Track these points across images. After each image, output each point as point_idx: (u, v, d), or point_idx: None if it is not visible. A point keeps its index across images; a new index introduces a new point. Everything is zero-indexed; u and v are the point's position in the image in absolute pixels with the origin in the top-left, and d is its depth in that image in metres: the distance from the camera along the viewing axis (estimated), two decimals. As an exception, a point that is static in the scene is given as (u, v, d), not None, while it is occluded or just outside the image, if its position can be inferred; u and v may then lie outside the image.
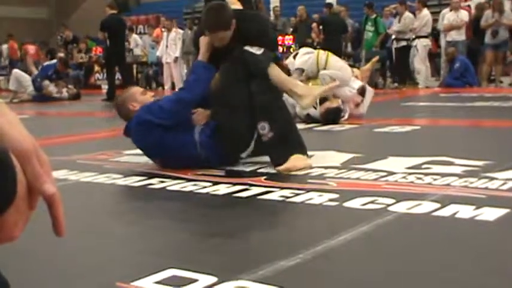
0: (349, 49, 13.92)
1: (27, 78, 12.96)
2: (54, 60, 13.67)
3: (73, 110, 10.35)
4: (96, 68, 16.86)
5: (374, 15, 13.18)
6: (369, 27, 13.17)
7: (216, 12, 3.73)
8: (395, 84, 12.76)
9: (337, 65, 6.23)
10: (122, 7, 26.18)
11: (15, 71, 13.68)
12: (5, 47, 20.12)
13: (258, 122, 3.66)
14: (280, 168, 3.54)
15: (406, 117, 6.60)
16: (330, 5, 13.36)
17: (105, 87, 13.47)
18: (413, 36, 12.36)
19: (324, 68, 6.12)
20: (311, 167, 3.57)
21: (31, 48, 17.90)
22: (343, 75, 6.11)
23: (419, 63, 12.29)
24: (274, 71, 3.74)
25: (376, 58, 7.98)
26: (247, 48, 3.73)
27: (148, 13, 24.79)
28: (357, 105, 6.32)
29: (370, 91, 6.59)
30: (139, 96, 3.82)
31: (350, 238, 2.17)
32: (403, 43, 12.44)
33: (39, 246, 2.14)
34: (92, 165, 3.91)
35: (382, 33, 12.98)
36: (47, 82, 12.51)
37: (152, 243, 2.31)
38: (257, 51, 3.73)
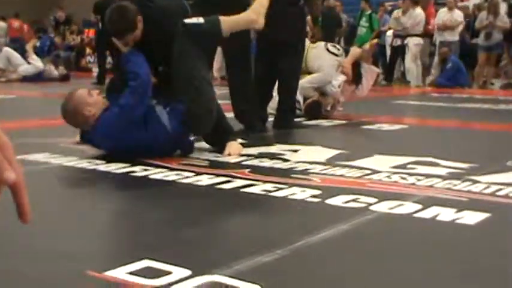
0: (342, 44, 13.88)
1: (17, 57, 12.84)
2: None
3: (61, 92, 10.25)
4: (88, 50, 16.75)
5: (369, 11, 13.17)
6: (363, 22, 13.16)
7: (116, 18, 3.77)
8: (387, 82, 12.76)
9: (315, 63, 6.14)
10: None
11: (6, 49, 13.54)
12: (2, 24, 19.84)
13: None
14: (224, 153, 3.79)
15: (395, 116, 6.58)
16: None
17: (95, 70, 13.38)
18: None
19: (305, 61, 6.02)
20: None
21: (14, 23, 17.69)
22: (320, 77, 6.08)
23: (411, 62, 12.28)
24: (225, 23, 3.82)
25: (375, 40, 7.89)
26: (187, 20, 3.76)
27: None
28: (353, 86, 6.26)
29: (372, 71, 6.52)
30: (89, 99, 3.64)
31: (329, 236, 2.15)
32: (399, 42, 12.40)
33: (13, 228, 2.10)
34: (75, 150, 3.86)
35: (376, 30, 12.96)
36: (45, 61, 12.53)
37: (128, 232, 2.28)
38: (198, 20, 3.77)
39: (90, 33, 17.02)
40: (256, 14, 3.99)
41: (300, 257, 1.94)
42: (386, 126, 5.45)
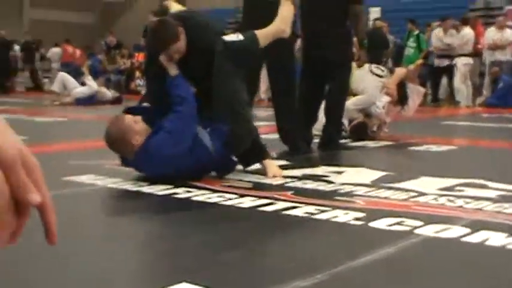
0: (390, 64, 13.77)
1: (72, 81, 13.11)
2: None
3: (113, 114, 10.41)
4: (137, 74, 16.99)
5: (417, 32, 13.04)
6: (411, 43, 13.04)
7: (159, 30, 3.78)
8: (438, 103, 12.60)
9: (359, 85, 6.08)
10: (166, 14, 26.50)
11: (62, 73, 13.86)
12: (56, 50, 20.34)
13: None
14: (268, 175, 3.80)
15: (444, 137, 6.45)
16: (374, 20, 13.25)
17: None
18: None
19: None
20: None
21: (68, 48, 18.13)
22: (365, 99, 6.03)
23: (460, 83, 12.09)
24: (261, 37, 3.84)
25: (421, 61, 7.79)
26: (227, 38, 3.75)
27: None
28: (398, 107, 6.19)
29: (418, 91, 6.42)
30: (136, 127, 3.57)
31: (371, 260, 2.09)
32: (447, 62, 12.24)
33: (51, 247, 2.11)
34: (120, 171, 3.88)
35: (424, 50, 12.82)
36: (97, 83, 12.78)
37: (167, 254, 2.26)
38: (238, 37, 3.76)
39: (139, 57, 17.29)
40: (284, 23, 4.01)
41: (340, 282, 1.89)
42: (434, 148, 5.35)
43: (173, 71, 3.74)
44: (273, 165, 3.92)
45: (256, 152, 3.92)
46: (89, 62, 14.21)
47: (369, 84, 6.07)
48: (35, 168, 0.68)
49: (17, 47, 19.59)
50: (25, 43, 19.62)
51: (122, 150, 3.61)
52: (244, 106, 3.79)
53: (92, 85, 12.66)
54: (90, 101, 12.24)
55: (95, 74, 13.20)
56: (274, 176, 3.78)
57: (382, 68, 6.39)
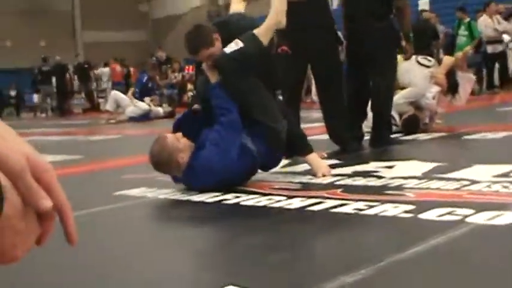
0: (442, 55, 13.53)
1: (125, 99, 13.36)
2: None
3: (166, 128, 10.54)
4: (189, 86, 17.18)
5: (467, 19, 12.77)
6: (462, 31, 12.77)
7: (192, 35, 3.81)
8: (494, 90, 12.30)
9: (406, 77, 5.95)
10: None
11: (114, 92, 14.15)
12: (105, 70, 20.87)
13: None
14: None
15: (501, 123, 6.28)
16: (422, 12, 13.03)
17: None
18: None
19: None
20: None
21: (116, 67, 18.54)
22: (414, 91, 5.91)
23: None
24: (260, 34, 3.79)
25: (469, 48, 7.60)
26: (227, 50, 3.71)
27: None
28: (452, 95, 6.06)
29: (469, 79, 6.28)
30: (180, 145, 3.56)
31: (419, 252, 2.04)
32: (500, 48, 11.96)
33: (104, 257, 2.14)
34: (170, 183, 3.90)
35: (476, 38, 12.55)
36: (147, 98, 12.96)
37: (214, 259, 2.27)
38: (238, 45, 3.70)
39: (190, 69, 17.48)
40: (279, 14, 3.91)
41: (385, 276, 1.85)
42: (490, 135, 5.21)
43: (213, 78, 3.76)
44: (320, 164, 3.90)
45: (299, 146, 3.96)
46: (135, 88, 14.41)
47: (416, 76, 5.95)
48: (45, 172, 0.68)
49: (71, 70, 20.11)
50: (78, 65, 20.11)
51: (168, 170, 3.63)
52: (274, 107, 3.80)
53: (141, 106, 12.84)
54: (144, 118, 12.43)
55: (146, 92, 13.36)
56: (324, 176, 3.76)
57: (429, 58, 6.26)
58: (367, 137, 5.29)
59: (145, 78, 13.46)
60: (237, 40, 3.73)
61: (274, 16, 3.92)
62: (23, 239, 0.68)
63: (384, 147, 5.04)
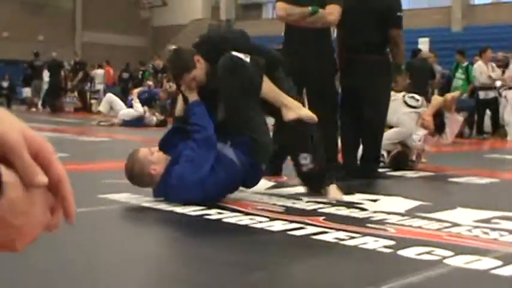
0: (436, 95, 13.65)
1: (119, 103, 13.34)
2: (156, 90, 14.11)
3: (157, 136, 10.52)
4: (183, 97, 17.18)
5: (466, 63, 12.90)
6: (460, 74, 12.90)
7: (173, 61, 3.96)
8: (484, 136, 12.41)
9: (393, 117, 5.93)
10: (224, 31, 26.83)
11: (109, 94, 14.12)
12: (99, 71, 20.88)
13: (297, 153, 3.96)
14: (328, 197, 3.89)
15: (487, 169, 6.33)
16: (416, 52, 13.14)
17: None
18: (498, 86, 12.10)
19: None
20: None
21: (123, 75, 18.55)
22: (399, 132, 5.93)
23: (510, 115, 11.90)
24: (265, 86, 3.82)
25: (459, 92, 7.66)
26: (235, 54, 3.74)
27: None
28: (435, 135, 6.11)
29: (457, 120, 6.32)
30: (152, 157, 3.62)
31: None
32: (492, 94, 12.10)
33: (80, 260, 2.14)
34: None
35: (472, 82, 12.67)
36: (145, 108, 12.99)
37: (193, 274, 2.27)
38: (246, 58, 3.75)
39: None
40: (294, 105, 3.89)
41: (360, 308, 1.86)
42: (475, 179, 5.25)
43: (192, 97, 3.82)
44: (333, 188, 4.02)
45: (321, 177, 4.03)
46: (142, 88, 14.42)
47: (403, 117, 5.97)
48: (42, 148, 0.67)
49: (66, 68, 20.09)
50: (75, 64, 20.09)
51: (142, 182, 3.64)
52: (262, 118, 3.83)
53: (138, 109, 12.82)
54: (137, 123, 12.39)
55: (148, 101, 13.40)
56: (335, 198, 3.90)
57: (417, 97, 6.27)
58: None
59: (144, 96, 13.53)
60: (247, 55, 3.77)
61: (289, 101, 3.90)
62: (26, 222, 0.66)
63: (369, 180, 5.06)
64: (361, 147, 5.47)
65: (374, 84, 5.12)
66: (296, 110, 3.89)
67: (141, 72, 18.83)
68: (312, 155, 3.96)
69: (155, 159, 3.61)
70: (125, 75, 18.46)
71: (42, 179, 0.65)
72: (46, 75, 19.49)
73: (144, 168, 3.58)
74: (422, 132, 5.97)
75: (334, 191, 3.99)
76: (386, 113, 5.45)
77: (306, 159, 3.95)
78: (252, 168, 3.73)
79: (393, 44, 5.24)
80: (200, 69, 3.83)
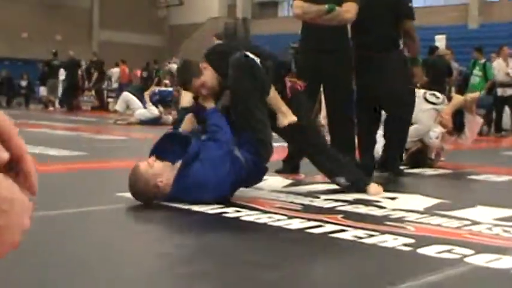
0: (453, 93, 13.55)
1: (136, 101, 13.36)
2: (170, 89, 14.08)
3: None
4: (200, 95, 17.19)
5: (483, 60, 12.80)
6: (477, 71, 12.79)
7: (181, 69, 4.11)
8: (502, 133, 12.31)
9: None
10: (230, 38, 26.91)
11: (126, 93, 14.15)
12: (115, 70, 20.97)
13: (333, 178, 4.17)
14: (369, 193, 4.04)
15: (505, 167, 6.28)
16: (433, 49, 13.04)
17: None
18: None
19: None
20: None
21: (139, 73, 18.61)
22: (417, 130, 5.85)
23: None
24: (272, 93, 3.90)
25: (478, 94, 7.58)
26: (248, 53, 3.79)
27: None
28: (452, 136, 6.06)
29: (477, 122, 6.27)
30: (153, 170, 3.49)
31: (414, 286, 2.04)
32: (510, 91, 12.01)
33: (97, 257, 2.14)
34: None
35: (490, 79, 12.57)
36: (160, 109, 13.03)
37: (210, 271, 2.26)
38: (256, 60, 3.80)
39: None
40: (288, 114, 3.97)
41: (381, 307, 1.84)
42: (493, 177, 5.21)
43: (209, 105, 3.87)
44: (374, 186, 4.15)
45: (362, 183, 4.19)
46: (154, 89, 14.44)
47: (421, 113, 5.90)
48: (2, 122, 0.66)
49: (83, 67, 20.19)
50: (91, 63, 20.18)
51: (149, 197, 3.53)
52: (265, 118, 3.83)
53: (152, 111, 12.83)
54: (154, 122, 12.39)
55: (163, 100, 13.43)
56: (375, 194, 4.03)
57: (438, 95, 6.23)
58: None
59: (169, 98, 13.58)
60: (259, 59, 3.81)
61: (287, 111, 3.98)
62: (9, 226, 0.64)
63: (388, 178, 5.01)
64: (379, 144, 5.43)
65: (394, 81, 5.04)
66: (289, 117, 3.97)
67: (155, 71, 18.90)
68: (346, 175, 4.13)
69: (158, 171, 3.50)
70: (144, 74, 18.47)
71: (4, 154, 0.64)
72: (62, 74, 19.59)
73: (149, 183, 3.46)
74: (439, 129, 5.93)
75: (374, 189, 4.11)
76: (412, 110, 5.37)
77: (341, 180, 4.13)
78: (255, 167, 3.72)
79: (408, 36, 5.17)
80: (209, 75, 3.86)
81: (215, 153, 3.57)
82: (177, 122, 4.45)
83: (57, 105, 19.93)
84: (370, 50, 5.04)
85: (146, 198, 3.52)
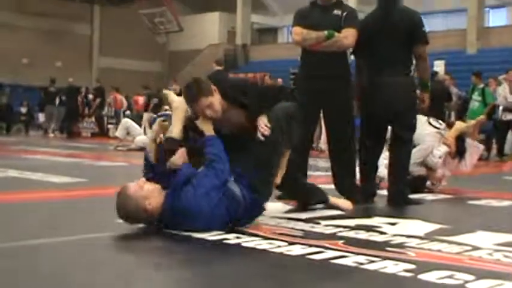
0: (453, 118, 13.58)
1: (136, 128, 13.39)
2: (169, 112, 14.07)
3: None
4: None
5: (482, 85, 12.86)
6: (476, 96, 12.84)
7: (191, 84, 3.79)
8: (503, 157, 12.32)
9: (416, 136, 5.90)
10: (230, 64, 27.04)
11: (126, 119, 14.18)
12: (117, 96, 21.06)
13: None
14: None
15: (506, 192, 6.28)
16: (433, 74, 13.10)
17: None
18: None
19: None
20: None
21: (140, 100, 18.64)
22: (421, 150, 5.84)
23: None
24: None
25: (482, 117, 7.60)
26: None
27: (255, 71, 25.36)
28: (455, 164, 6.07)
29: (476, 148, 6.27)
30: (142, 192, 3.47)
31: (417, 313, 2.03)
32: (510, 116, 12.07)
33: None
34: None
35: (489, 104, 12.61)
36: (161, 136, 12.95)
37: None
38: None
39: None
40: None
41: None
42: (494, 202, 5.21)
43: (208, 131, 3.78)
44: (339, 200, 4.44)
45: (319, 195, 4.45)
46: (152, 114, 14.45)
47: (427, 135, 5.93)
48: None
49: (83, 94, 20.29)
50: (94, 90, 20.28)
51: (139, 219, 3.51)
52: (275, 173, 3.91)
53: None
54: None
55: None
56: (349, 207, 4.44)
57: (441, 122, 6.26)
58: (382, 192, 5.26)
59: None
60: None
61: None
62: None
63: (389, 203, 4.99)
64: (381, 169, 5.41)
65: (404, 106, 4.99)
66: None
67: (145, 96, 18.94)
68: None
69: (146, 193, 3.46)
70: (155, 100, 18.41)
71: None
72: (58, 100, 19.73)
73: (139, 205, 3.43)
74: (443, 148, 5.95)
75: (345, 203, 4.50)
76: (412, 137, 5.24)
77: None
78: (252, 205, 3.67)
79: (420, 60, 5.07)
80: (217, 99, 3.79)
81: (210, 182, 3.51)
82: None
83: (50, 132, 19.89)
84: (381, 74, 4.98)
85: (136, 220, 3.51)
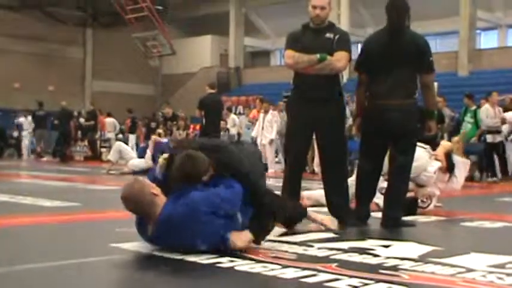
0: (446, 140, 13.65)
1: (129, 151, 13.35)
2: (165, 140, 14.05)
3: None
4: (193, 145, 17.22)
5: (474, 107, 12.92)
6: (468, 118, 12.90)
7: (189, 165, 3.60)
8: (494, 179, 12.35)
9: None
10: (223, 87, 27.11)
11: (119, 143, 14.13)
12: (109, 120, 21.07)
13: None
14: None
15: (499, 213, 6.29)
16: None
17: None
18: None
19: None
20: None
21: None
22: (415, 166, 5.86)
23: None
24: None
25: (463, 131, 7.66)
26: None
27: (248, 94, 25.44)
28: (447, 180, 6.09)
29: (464, 163, 6.29)
30: (152, 184, 3.57)
31: (411, 336, 2.02)
32: (499, 138, 12.15)
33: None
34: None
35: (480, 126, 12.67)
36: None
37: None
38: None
39: (195, 128, 17.56)
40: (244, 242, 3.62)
41: None
42: (487, 224, 5.22)
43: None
44: (319, 216, 4.53)
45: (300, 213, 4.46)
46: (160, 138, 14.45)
47: (418, 152, 5.93)
48: None
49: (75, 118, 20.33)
50: (87, 113, 20.29)
51: (143, 205, 3.48)
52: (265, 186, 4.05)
53: (148, 161, 12.56)
54: (147, 172, 12.25)
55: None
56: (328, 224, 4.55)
57: (425, 146, 6.22)
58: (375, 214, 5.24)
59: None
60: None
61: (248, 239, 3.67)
62: None
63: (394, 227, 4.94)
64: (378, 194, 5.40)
65: (405, 130, 4.96)
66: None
67: (130, 119, 18.94)
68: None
69: (154, 186, 3.54)
70: (153, 124, 18.40)
71: None
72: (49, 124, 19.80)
73: (145, 189, 3.48)
74: (436, 164, 5.97)
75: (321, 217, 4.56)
76: (412, 162, 5.14)
77: None
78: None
79: (425, 88, 5.05)
80: (209, 174, 3.69)
81: (223, 190, 3.56)
82: None
83: (40, 153, 19.86)
84: (385, 99, 4.94)
85: (140, 207, 3.49)
